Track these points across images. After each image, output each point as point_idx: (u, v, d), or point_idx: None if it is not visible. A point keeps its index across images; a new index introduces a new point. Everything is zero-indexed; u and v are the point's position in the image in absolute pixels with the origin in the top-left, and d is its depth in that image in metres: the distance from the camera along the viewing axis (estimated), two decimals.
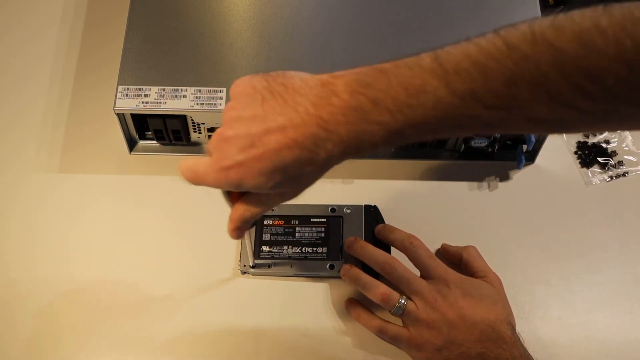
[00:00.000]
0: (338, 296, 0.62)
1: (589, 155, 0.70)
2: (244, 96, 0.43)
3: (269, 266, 0.62)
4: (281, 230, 0.63)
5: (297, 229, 0.63)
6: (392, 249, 0.61)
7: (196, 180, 0.45)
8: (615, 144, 0.71)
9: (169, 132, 0.67)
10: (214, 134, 0.43)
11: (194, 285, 0.63)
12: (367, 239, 0.62)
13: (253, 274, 0.63)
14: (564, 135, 0.71)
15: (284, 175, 0.41)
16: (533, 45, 0.36)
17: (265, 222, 0.64)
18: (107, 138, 0.70)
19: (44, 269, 0.63)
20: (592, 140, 0.71)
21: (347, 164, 0.69)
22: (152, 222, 0.66)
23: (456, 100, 0.38)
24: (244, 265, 0.62)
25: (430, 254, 0.59)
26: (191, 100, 0.64)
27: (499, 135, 0.66)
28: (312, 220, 0.64)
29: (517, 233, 0.65)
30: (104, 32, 0.77)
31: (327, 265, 0.62)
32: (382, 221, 0.64)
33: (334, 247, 0.63)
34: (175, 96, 0.64)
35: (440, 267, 0.57)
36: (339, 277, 0.61)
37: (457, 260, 0.62)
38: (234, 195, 0.47)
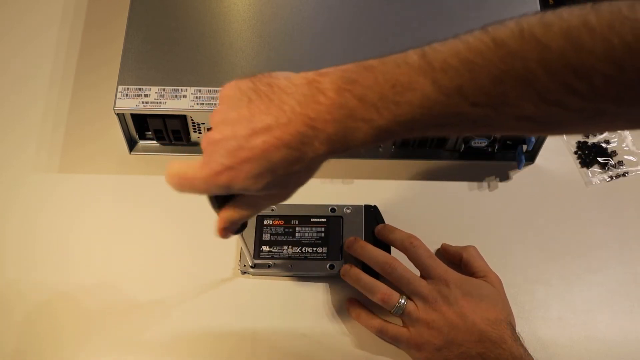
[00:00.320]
0: (338, 296, 0.62)
1: (589, 155, 0.70)
2: (229, 99, 0.42)
3: (268, 266, 0.62)
4: (281, 230, 0.63)
5: (297, 229, 0.63)
6: (392, 249, 0.61)
7: (184, 185, 0.44)
8: (615, 144, 0.71)
9: (169, 132, 0.67)
10: (203, 138, 0.43)
11: (194, 286, 0.62)
12: (367, 239, 0.62)
13: (253, 274, 0.63)
14: (564, 135, 0.71)
15: (273, 175, 0.41)
16: (520, 42, 0.35)
17: (265, 222, 0.64)
18: (107, 138, 0.70)
19: (43, 269, 0.63)
20: (592, 140, 0.71)
21: (347, 164, 0.70)
22: (152, 222, 0.66)
23: (443, 98, 0.37)
24: (244, 265, 0.62)
25: (431, 254, 0.59)
26: (191, 100, 0.64)
27: (499, 135, 0.66)
28: (312, 220, 0.64)
29: (517, 233, 0.65)
30: (104, 32, 0.77)
31: (327, 265, 0.62)
32: (382, 221, 0.64)
33: (334, 247, 0.63)
34: (175, 96, 0.64)
35: (441, 267, 0.57)
36: (339, 277, 0.61)
37: (457, 260, 0.62)
38: (220, 200, 0.47)
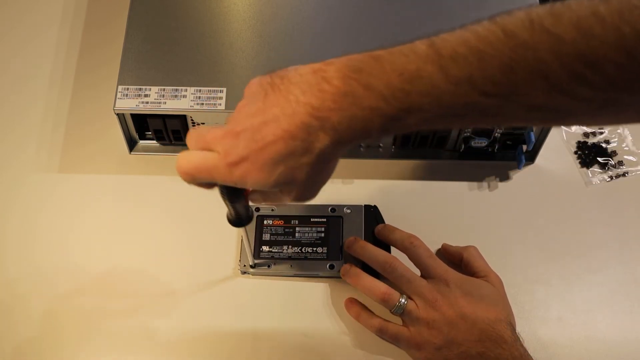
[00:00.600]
0: (338, 296, 0.62)
1: (589, 155, 0.70)
2: (251, 94, 0.43)
3: (268, 266, 0.62)
4: (281, 230, 0.63)
5: (297, 229, 0.63)
6: (392, 249, 0.61)
7: (202, 174, 0.43)
8: (615, 144, 0.71)
9: (169, 132, 0.67)
10: (223, 132, 0.43)
11: (194, 285, 0.62)
12: (367, 239, 0.62)
13: (253, 274, 0.63)
14: (564, 135, 0.71)
15: (283, 167, 0.41)
16: (531, 33, 0.35)
17: (265, 222, 0.64)
18: (107, 138, 0.70)
19: (44, 269, 0.63)
20: (592, 140, 0.71)
21: (347, 164, 0.70)
22: (152, 222, 0.66)
23: (452, 87, 0.37)
24: (244, 265, 0.62)
25: (431, 254, 0.59)
26: (191, 100, 0.64)
27: (499, 135, 0.66)
28: (312, 220, 0.64)
29: (517, 233, 0.65)
30: (104, 32, 0.77)
31: (327, 265, 0.62)
32: (382, 221, 0.64)
33: (334, 247, 0.63)
34: (175, 96, 0.64)
35: (441, 267, 0.57)
36: (339, 277, 0.61)
37: (457, 260, 0.62)
38: (232, 191, 0.46)
